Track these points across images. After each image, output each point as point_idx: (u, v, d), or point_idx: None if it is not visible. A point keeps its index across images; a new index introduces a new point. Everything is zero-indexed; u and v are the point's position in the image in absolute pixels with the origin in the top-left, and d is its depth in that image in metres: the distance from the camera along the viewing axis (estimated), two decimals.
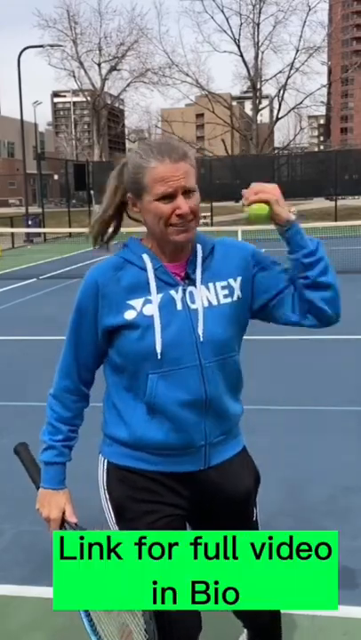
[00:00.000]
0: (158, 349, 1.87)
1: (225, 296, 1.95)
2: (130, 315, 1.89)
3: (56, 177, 66.32)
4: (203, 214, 33.62)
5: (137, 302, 1.90)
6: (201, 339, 1.89)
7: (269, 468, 4.50)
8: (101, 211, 2.01)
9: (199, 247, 1.97)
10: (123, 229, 2.11)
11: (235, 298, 1.97)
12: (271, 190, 1.94)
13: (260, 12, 35.59)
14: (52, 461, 2.04)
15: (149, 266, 1.92)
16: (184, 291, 1.92)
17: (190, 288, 1.93)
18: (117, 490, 2.01)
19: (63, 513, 2.04)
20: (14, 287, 14.04)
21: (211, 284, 1.95)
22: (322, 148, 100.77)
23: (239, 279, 1.98)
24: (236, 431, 2.08)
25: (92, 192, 34.01)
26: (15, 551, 3.56)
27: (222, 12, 35.92)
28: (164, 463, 1.96)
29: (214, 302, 1.94)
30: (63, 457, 2.05)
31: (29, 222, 29.39)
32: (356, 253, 16.91)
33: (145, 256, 1.93)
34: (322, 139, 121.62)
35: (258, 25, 35.86)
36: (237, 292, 1.97)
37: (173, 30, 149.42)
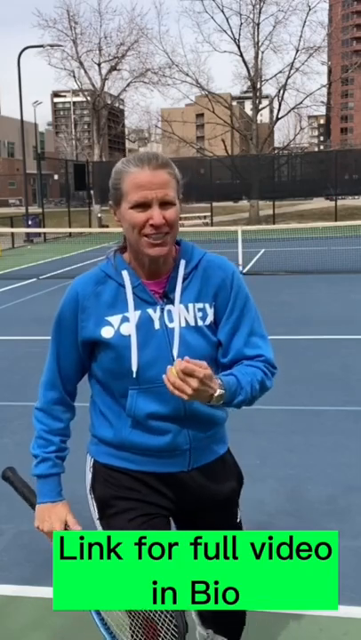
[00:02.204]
0: (134, 369, 1.87)
1: (200, 318, 1.93)
2: (107, 332, 1.89)
3: (56, 177, 66.40)
4: (203, 214, 33.64)
5: (115, 319, 1.89)
6: (176, 358, 1.83)
7: (269, 467, 4.51)
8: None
9: (182, 263, 1.93)
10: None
11: (207, 322, 1.94)
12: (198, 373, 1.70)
13: (260, 12, 35.56)
14: (48, 473, 2.02)
15: (128, 283, 1.89)
16: (162, 309, 1.90)
17: (168, 307, 1.90)
18: (101, 487, 2.02)
19: (65, 525, 2.00)
20: (14, 287, 14.04)
21: (190, 305, 1.92)
22: (322, 147, 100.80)
23: (214, 305, 1.95)
24: (220, 434, 2.09)
25: (92, 192, 34.03)
26: (15, 551, 3.56)
27: (222, 11, 35.83)
28: (149, 464, 1.97)
29: (192, 323, 1.91)
30: (58, 468, 2.03)
31: (29, 222, 29.39)
32: (356, 253, 16.92)
33: (124, 273, 1.90)
34: (322, 139, 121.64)
35: (258, 25, 35.81)
36: (210, 318, 1.95)
37: (173, 30, 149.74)
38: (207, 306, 1.94)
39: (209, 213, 32.05)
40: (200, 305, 1.93)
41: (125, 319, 1.88)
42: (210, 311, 1.94)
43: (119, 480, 1.99)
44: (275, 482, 4.26)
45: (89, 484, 2.07)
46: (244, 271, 14.71)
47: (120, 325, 1.88)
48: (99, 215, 32.92)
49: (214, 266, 1.97)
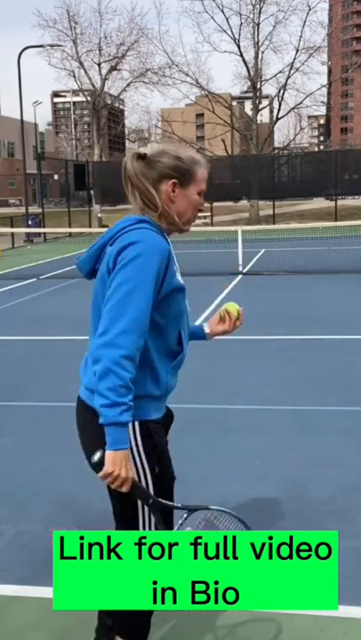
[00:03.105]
0: (188, 308, 2.33)
1: None
2: (180, 279, 2.27)
3: (56, 177, 66.37)
4: (203, 214, 33.59)
5: (177, 268, 2.27)
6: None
7: (270, 467, 4.51)
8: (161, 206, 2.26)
9: None
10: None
11: None
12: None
13: (260, 12, 35.51)
14: (129, 420, 2.10)
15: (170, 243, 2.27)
16: None
17: None
18: (159, 441, 2.28)
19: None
20: (14, 287, 14.04)
21: None
22: (322, 147, 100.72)
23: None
24: None
25: (91, 192, 33.99)
26: (15, 551, 3.56)
27: (222, 11, 35.77)
28: (164, 407, 2.36)
29: None
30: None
31: (29, 222, 29.37)
32: (356, 253, 16.91)
33: (164, 235, 2.28)
34: (322, 139, 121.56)
35: (258, 25, 35.76)
36: None
37: (173, 30, 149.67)
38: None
39: (209, 213, 32.04)
40: None
41: (177, 269, 2.27)
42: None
43: (162, 430, 2.32)
44: (275, 482, 4.26)
45: (140, 445, 2.22)
46: (245, 271, 14.71)
47: (178, 272, 2.28)
48: (99, 215, 32.90)
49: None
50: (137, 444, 2.22)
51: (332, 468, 4.44)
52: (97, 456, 2.08)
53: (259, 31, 35.94)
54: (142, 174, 2.23)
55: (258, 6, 35.37)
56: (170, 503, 2.26)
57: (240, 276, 14.15)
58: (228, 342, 8.14)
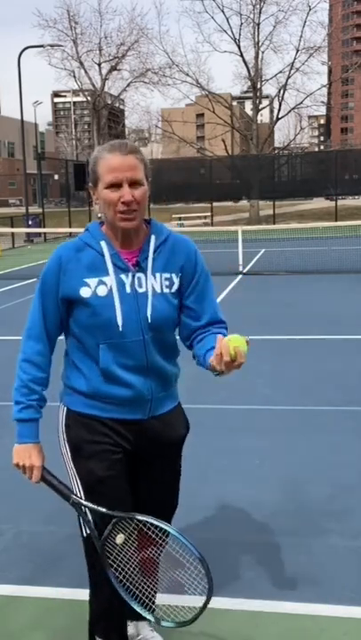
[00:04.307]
0: (120, 323, 2.18)
1: (166, 286, 2.26)
2: (85, 292, 2.17)
3: (56, 177, 66.36)
4: (203, 214, 33.61)
5: (92, 281, 2.18)
6: (149, 320, 2.20)
7: (269, 467, 4.51)
8: None
9: (153, 238, 2.25)
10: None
11: (173, 289, 2.27)
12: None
13: (260, 12, 35.44)
14: (30, 418, 2.27)
15: (106, 252, 2.20)
16: (133, 276, 2.21)
17: (139, 274, 2.22)
18: (75, 432, 2.29)
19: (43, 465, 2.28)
20: (14, 287, 14.04)
21: (158, 274, 2.24)
22: (322, 147, 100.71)
23: (180, 275, 2.28)
24: (174, 389, 2.41)
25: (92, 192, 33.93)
26: (15, 551, 3.56)
27: (222, 11, 35.69)
28: (116, 411, 2.27)
29: (158, 290, 2.23)
30: (38, 414, 2.29)
31: (30, 222, 29.36)
32: (356, 253, 16.90)
33: (102, 243, 2.21)
34: (322, 138, 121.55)
35: (258, 25, 35.69)
36: (176, 286, 2.28)
37: (174, 30, 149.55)
38: (174, 276, 2.27)
39: (209, 213, 32.02)
40: (167, 275, 2.26)
41: (102, 282, 2.18)
42: (176, 280, 2.27)
43: (91, 426, 2.27)
44: (275, 482, 4.26)
45: (63, 430, 2.32)
46: (245, 271, 14.70)
47: (97, 287, 2.18)
48: (99, 215, 32.60)
49: (180, 243, 2.31)
50: (62, 429, 2.33)
51: (333, 468, 4.43)
52: None
53: (259, 31, 35.95)
54: None
55: (258, 6, 35.38)
56: (90, 505, 2.20)
57: (240, 276, 14.15)
58: None
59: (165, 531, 2.14)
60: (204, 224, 31.05)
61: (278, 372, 6.85)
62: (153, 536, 2.16)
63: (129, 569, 2.20)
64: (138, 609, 2.20)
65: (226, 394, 6.01)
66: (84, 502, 2.22)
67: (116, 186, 2.11)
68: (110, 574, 2.19)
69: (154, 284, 2.22)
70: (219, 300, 11.77)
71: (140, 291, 2.20)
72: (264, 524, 3.74)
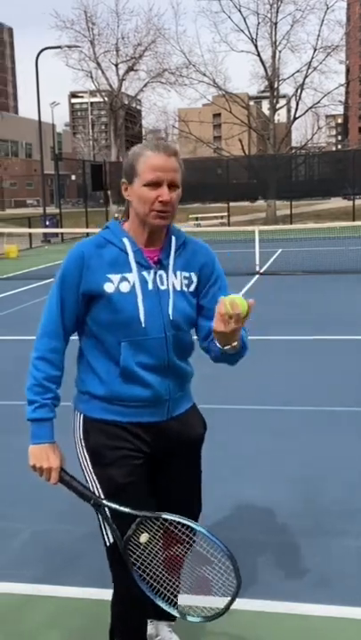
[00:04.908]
0: (142, 319, 2.18)
1: (186, 285, 2.28)
2: (109, 287, 2.17)
3: (73, 177, 66.62)
4: (220, 214, 33.56)
5: (115, 277, 2.18)
6: (171, 317, 2.21)
7: (285, 468, 4.49)
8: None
9: (173, 238, 2.29)
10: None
11: (192, 289, 2.30)
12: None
13: (277, 12, 35.37)
14: (46, 417, 2.22)
15: (129, 249, 2.21)
16: (155, 273, 2.23)
17: (160, 272, 2.24)
18: (94, 439, 2.26)
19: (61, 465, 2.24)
20: (32, 287, 14.11)
21: (178, 272, 2.27)
22: (340, 147, 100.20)
23: (198, 275, 2.31)
24: (189, 388, 2.43)
25: (109, 192, 34.06)
26: (31, 550, 3.58)
27: (240, 11, 35.64)
28: (135, 415, 2.25)
29: (178, 288, 2.26)
30: (53, 413, 2.25)
31: (47, 223, 29.52)
32: None
33: (125, 240, 2.22)
34: (340, 138, 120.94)
35: (275, 24, 35.62)
36: (194, 285, 2.31)
37: (191, 30, 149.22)
38: (193, 275, 2.30)
39: (226, 213, 31.99)
40: (186, 274, 2.29)
41: (124, 278, 2.18)
42: (195, 279, 2.30)
43: (110, 431, 2.24)
44: (289, 482, 4.24)
45: (81, 437, 2.29)
46: (261, 271, 14.66)
47: (119, 283, 2.18)
48: (116, 215, 32.71)
49: (199, 246, 2.36)
50: (80, 437, 2.30)
51: (348, 469, 4.41)
52: None
53: (276, 30, 35.91)
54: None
55: (275, 5, 35.35)
56: (113, 506, 2.16)
57: (257, 276, 14.11)
58: None
59: (192, 528, 2.13)
60: (220, 224, 31.02)
61: (294, 372, 6.83)
62: (180, 534, 2.14)
63: (153, 567, 2.18)
64: (163, 605, 2.18)
65: (240, 394, 6.01)
66: (106, 503, 2.18)
67: (155, 185, 2.13)
68: (135, 576, 2.16)
69: (174, 281, 2.25)
70: None
71: (162, 288, 2.22)
72: (278, 524, 3.73)
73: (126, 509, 2.14)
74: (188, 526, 2.13)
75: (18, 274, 16.98)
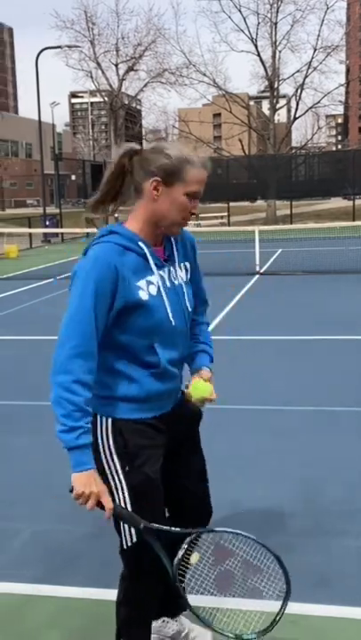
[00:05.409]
0: (171, 317, 2.22)
1: (186, 274, 2.37)
2: (143, 295, 2.16)
3: (73, 177, 66.50)
4: (220, 214, 33.54)
5: (142, 283, 2.17)
6: (188, 308, 2.31)
7: (285, 467, 4.49)
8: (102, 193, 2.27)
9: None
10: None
11: (189, 276, 2.39)
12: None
13: (277, 12, 35.34)
14: (89, 442, 2.14)
15: (147, 251, 2.20)
16: (168, 270, 2.27)
17: (170, 267, 2.29)
18: (128, 440, 2.23)
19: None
20: (32, 287, 14.11)
21: (181, 264, 2.35)
22: (340, 147, 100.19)
23: (191, 262, 2.41)
24: None
25: None
26: (31, 551, 3.57)
27: (240, 11, 35.59)
28: (157, 408, 2.29)
29: (184, 279, 2.34)
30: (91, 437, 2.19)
31: (47, 222, 29.51)
32: None
33: (140, 243, 2.19)
34: (340, 138, 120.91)
35: (275, 24, 35.59)
36: (190, 272, 2.40)
37: (191, 30, 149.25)
38: (188, 264, 2.39)
39: (226, 213, 31.99)
40: (186, 264, 2.38)
41: (150, 282, 2.19)
42: (190, 267, 2.40)
43: (141, 430, 2.25)
44: (290, 482, 4.24)
45: (110, 442, 2.23)
46: (261, 271, 14.67)
47: (148, 288, 2.18)
48: (116, 215, 32.91)
49: (185, 233, 2.39)
50: (107, 441, 2.23)
51: (349, 469, 4.41)
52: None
53: (276, 30, 35.86)
54: (133, 171, 2.19)
55: (275, 5, 35.30)
56: (164, 527, 2.17)
57: (257, 276, 14.11)
58: (242, 342, 8.12)
59: (243, 536, 2.16)
60: (220, 224, 31.01)
61: (294, 372, 6.83)
62: (230, 546, 2.16)
63: (205, 586, 2.20)
64: (217, 630, 2.25)
65: (240, 394, 6.01)
66: (157, 526, 2.17)
67: (194, 197, 2.17)
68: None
69: (181, 274, 2.32)
70: (235, 300, 11.78)
71: (176, 283, 2.28)
72: (279, 524, 3.73)
73: (177, 529, 2.14)
74: (236, 534, 2.13)
75: (18, 274, 16.97)
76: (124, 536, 2.25)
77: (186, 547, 2.12)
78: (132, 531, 2.22)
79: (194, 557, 2.08)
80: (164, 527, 2.16)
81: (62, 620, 2.96)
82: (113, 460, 2.23)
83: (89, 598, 3.06)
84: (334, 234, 23.20)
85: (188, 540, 2.12)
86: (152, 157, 2.14)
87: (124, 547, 2.27)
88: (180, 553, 2.10)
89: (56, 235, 28.18)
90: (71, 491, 2.13)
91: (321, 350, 7.76)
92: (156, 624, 2.57)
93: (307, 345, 8.02)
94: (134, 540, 2.23)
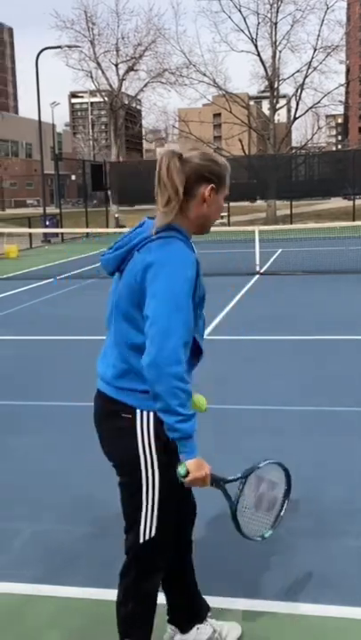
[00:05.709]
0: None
1: None
2: (202, 289, 2.31)
3: (73, 177, 66.60)
4: (220, 214, 33.47)
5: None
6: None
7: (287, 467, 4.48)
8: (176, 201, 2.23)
9: None
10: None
11: None
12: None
13: (277, 12, 35.32)
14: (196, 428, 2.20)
15: (195, 251, 2.32)
16: None
17: None
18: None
19: None
20: (32, 287, 14.11)
21: None
22: (340, 147, 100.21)
23: None
24: None
25: (109, 192, 34.06)
26: (31, 551, 3.57)
27: (240, 11, 35.58)
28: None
29: None
30: None
31: (47, 223, 29.50)
32: None
33: (191, 242, 2.34)
34: (340, 138, 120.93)
35: (275, 24, 35.58)
36: None
37: (191, 30, 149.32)
38: None
39: (226, 213, 32.00)
40: None
41: (199, 275, 2.29)
42: None
43: None
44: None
45: (151, 438, 2.26)
46: (262, 271, 14.67)
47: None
48: (116, 215, 32.95)
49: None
50: (148, 436, 2.26)
51: (348, 469, 4.41)
52: (183, 470, 2.20)
53: (276, 30, 35.84)
54: (178, 175, 2.21)
55: (275, 5, 35.27)
56: (228, 478, 2.43)
57: (257, 276, 14.11)
58: (242, 342, 8.12)
59: (276, 465, 2.57)
60: (220, 224, 31.02)
61: (294, 372, 6.83)
62: (272, 478, 2.48)
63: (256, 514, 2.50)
64: (268, 534, 2.55)
65: (241, 394, 6.00)
66: (228, 479, 2.42)
67: (224, 199, 2.38)
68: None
69: None
70: (235, 300, 11.75)
71: None
72: (281, 524, 3.72)
73: (230, 477, 2.45)
74: (270, 463, 2.56)
75: (18, 274, 16.97)
76: (144, 529, 2.29)
77: (242, 487, 2.42)
78: (153, 524, 2.27)
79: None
80: (230, 477, 2.42)
81: (62, 620, 2.96)
82: (151, 453, 2.26)
83: (89, 598, 3.07)
84: (334, 234, 23.20)
85: (244, 481, 2.42)
86: (205, 164, 2.28)
87: (141, 540, 2.29)
88: (239, 494, 2.41)
89: (56, 235, 28.18)
90: (184, 476, 2.20)
91: (321, 350, 7.76)
92: (190, 636, 2.63)
93: (307, 345, 8.02)
94: (153, 534, 2.28)
